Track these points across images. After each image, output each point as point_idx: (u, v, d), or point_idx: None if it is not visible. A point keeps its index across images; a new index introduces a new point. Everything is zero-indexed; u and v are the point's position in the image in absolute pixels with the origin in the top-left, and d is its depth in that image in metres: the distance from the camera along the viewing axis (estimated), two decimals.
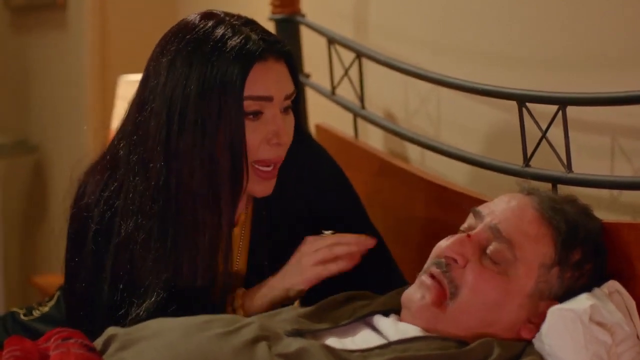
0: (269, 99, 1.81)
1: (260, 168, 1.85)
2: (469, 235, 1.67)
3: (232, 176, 1.81)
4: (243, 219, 1.96)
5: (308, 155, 2.02)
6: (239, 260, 1.95)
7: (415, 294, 1.69)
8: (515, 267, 1.64)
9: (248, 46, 1.79)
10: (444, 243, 1.69)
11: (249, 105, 1.80)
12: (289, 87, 1.86)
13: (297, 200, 1.99)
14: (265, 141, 1.83)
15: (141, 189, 1.83)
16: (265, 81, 1.81)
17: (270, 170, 1.86)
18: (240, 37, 1.80)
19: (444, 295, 1.66)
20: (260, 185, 1.87)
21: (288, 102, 1.86)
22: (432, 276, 1.68)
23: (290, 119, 1.88)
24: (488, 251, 1.66)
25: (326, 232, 1.85)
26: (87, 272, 1.87)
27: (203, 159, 1.79)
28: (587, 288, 1.67)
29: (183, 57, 1.80)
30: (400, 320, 1.69)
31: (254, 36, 1.81)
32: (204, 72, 1.78)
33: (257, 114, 1.82)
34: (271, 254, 1.95)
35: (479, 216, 1.71)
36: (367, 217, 2.09)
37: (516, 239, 1.65)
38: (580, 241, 1.67)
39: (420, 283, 1.69)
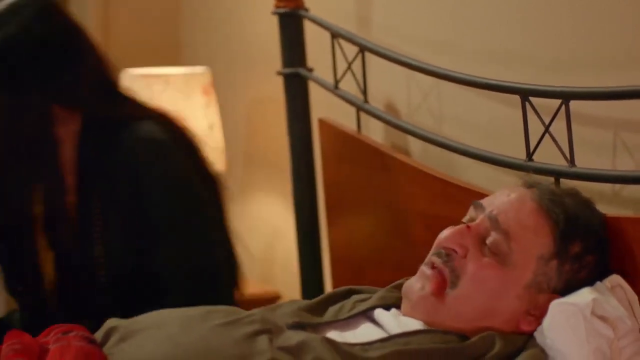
0: None
1: None
2: (468, 227, 1.68)
3: None
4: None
5: (139, 148, 2.00)
6: None
7: (415, 284, 1.69)
8: (512, 258, 1.64)
9: None
10: (444, 234, 1.70)
11: None
12: None
13: (123, 188, 1.99)
14: None
15: None
16: None
17: None
18: None
19: (444, 285, 1.66)
20: None
21: None
22: (433, 267, 1.68)
23: None
24: (487, 242, 1.66)
25: None
26: None
27: None
28: (589, 282, 1.66)
29: None
30: (402, 312, 1.70)
31: None
32: None
33: None
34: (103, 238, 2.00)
35: (479, 208, 1.71)
36: (197, 227, 2.02)
37: (513, 230, 1.65)
38: (579, 233, 1.67)
39: (420, 274, 1.70)
